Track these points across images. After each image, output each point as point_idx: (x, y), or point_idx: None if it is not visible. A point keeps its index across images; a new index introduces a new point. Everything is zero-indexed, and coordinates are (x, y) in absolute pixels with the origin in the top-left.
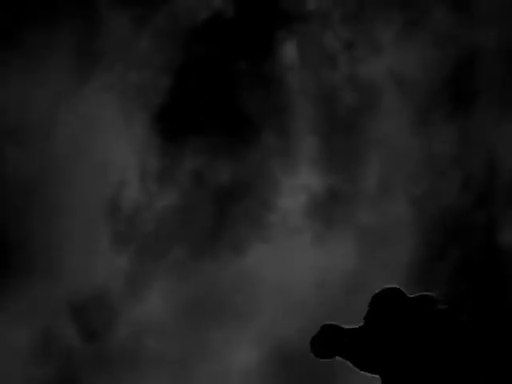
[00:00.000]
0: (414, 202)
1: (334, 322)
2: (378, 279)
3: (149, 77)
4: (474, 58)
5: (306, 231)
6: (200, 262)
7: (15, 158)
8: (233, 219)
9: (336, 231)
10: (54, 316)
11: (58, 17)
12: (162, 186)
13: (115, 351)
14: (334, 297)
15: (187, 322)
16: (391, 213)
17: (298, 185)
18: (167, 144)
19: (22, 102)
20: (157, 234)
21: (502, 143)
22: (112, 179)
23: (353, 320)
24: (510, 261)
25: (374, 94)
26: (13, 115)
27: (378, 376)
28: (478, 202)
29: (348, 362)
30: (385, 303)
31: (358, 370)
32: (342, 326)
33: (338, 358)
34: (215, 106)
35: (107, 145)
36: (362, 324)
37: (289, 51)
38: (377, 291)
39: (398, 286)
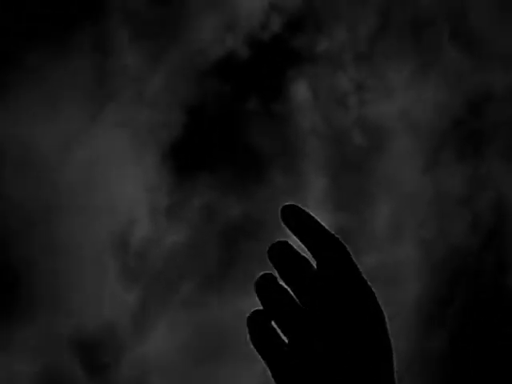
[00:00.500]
0: (422, 243)
1: None
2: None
3: (161, 114)
4: (484, 100)
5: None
6: (208, 298)
7: (24, 191)
8: (242, 256)
9: None
10: (58, 351)
11: (71, 53)
12: (171, 222)
13: None
14: None
15: (193, 360)
16: (399, 253)
17: None
18: (177, 181)
19: (32, 136)
20: (165, 270)
21: (511, 184)
22: (121, 215)
23: None
24: None
25: (385, 134)
26: (23, 148)
27: None
28: (487, 242)
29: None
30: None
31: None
32: None
33: None
34: (226, 144)
35: (117, 180)
36: None
37: (300, 91)
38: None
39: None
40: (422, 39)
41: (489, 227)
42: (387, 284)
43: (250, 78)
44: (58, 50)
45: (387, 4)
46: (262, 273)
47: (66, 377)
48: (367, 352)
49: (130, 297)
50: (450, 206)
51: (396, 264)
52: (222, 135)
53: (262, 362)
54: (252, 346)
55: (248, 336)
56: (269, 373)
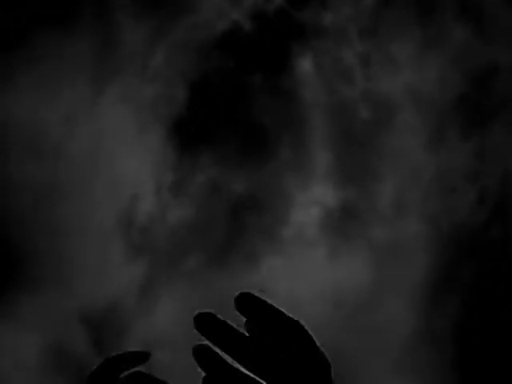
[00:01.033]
0: (428, 218)
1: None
2: (392, 295)
3: (164, 89)
4: (490, 74)
5: (319, 245)
6: (213, 273)
7: (29, 169)
8: (246, 232)
9: (349, 246)
10: (65, 327)
11: (74, 28)
12: (175, 198)
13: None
14: (346, 312)
15: (198, 335)
16: (405, 228)
17: (311, 199)
18: (182, 156)
19: (36, 114)
20: (170, 245)
21: None
22: (126, 191)
23: (365, 333)
24: None
25: (390, 109)
26: (27, 126)
27: None
28: (493, 217)
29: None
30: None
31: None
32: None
33: None
34: (230, 119)
35: (121, 156)
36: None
37: (304, 65)
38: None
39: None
40: (427, 14)
41: (495, 202)
42: (392, 259)
43: (254, 52)
44: (60, 26)
45: None
46: (197, 344)
47: (72, 351)
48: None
49: (135, 272)
50: (455, 181)
51: (401, 239)
52: (226, 110)
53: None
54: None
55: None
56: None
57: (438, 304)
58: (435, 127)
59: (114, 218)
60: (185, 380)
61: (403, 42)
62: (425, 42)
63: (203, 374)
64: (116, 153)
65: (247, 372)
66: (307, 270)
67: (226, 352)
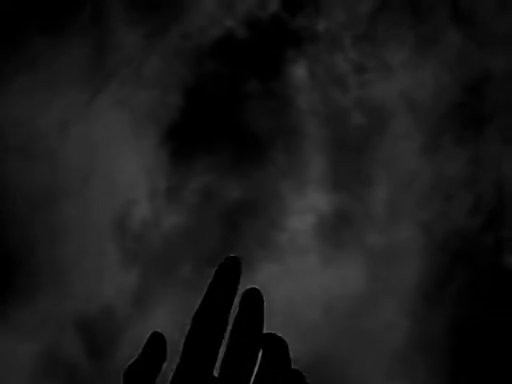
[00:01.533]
0: (422, 224)
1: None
2: (386, 300)
3: (159, 95)
4: (485, 81)
5: (313, 251)
6: (207, 280)
7: (23, 174)
8: (240, 238)
9: (343, 252)
10: (59, 332)
11: (69, 32)
12: (170, 204)
13: (120, 369)
14: (340, 318)
15: None
16: (400, 234)
17: (306, 205)
18: (176, 162)
19: (31, 118)
20: (164, 251)
21: (511, 166)
22: (120, 196)
23: (358, 340)
24: None
25: (384, 115)
26: (21, 130)
27: None
28: (487, 224)
29: None
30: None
31: None
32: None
33: None
34: (224, 125)
35: (115, 161)
36: None
37: (299, 71)
38: None
39: None
40: (422, 20)
41: (489, 209)
42: (386, 265)
43: (248, 59)
44: (55, 29)
45: None
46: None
47: (66, 357)
48: None
49: (129, 278)
50: (450, 188)
51: (395, 245)
52: (220, 116)
53: None
54: None
55: None
56: None
57: (431, 310)
58: (429, 133)
59: (108, 223)
60: None
61: (397, 49)
62: (419, 48)
63: None
64: (110, 159)
65: None
66: (302, 276)
67: None
